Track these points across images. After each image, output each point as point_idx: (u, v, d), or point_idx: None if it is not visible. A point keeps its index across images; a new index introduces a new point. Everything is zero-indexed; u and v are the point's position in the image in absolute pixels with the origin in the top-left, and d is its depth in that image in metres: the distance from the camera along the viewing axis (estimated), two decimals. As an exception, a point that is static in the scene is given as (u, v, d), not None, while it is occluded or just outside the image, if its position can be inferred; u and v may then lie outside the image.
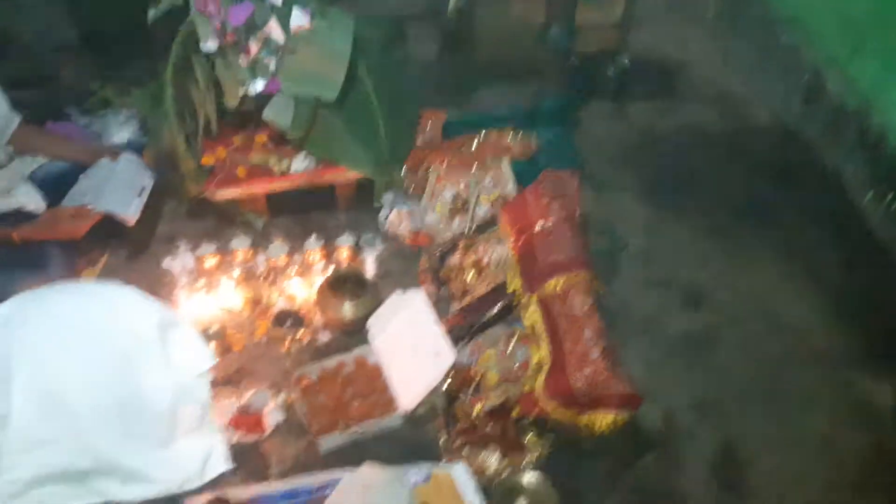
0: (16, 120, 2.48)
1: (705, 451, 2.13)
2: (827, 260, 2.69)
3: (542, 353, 1.95)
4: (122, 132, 3.01)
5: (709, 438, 2.16)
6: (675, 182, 3.02)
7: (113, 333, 0.99)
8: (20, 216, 2.39)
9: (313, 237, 2.62)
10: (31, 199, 2.45)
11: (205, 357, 1.12)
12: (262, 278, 2.54)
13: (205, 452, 1.16)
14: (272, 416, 2.11)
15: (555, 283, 2.03)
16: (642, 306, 2.51)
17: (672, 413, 2.20)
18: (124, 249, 2.65)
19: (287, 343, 2.33)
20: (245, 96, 2.51)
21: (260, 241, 2.66)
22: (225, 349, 2.29)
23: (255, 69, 2.46)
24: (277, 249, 2.58)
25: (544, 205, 2.25)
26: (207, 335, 2.27)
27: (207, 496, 1.51)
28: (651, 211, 2.89)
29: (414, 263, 2.64)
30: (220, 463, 1.18)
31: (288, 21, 2.44)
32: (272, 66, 2.46)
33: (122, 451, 1.01)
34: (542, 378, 1.90)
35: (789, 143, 3.24)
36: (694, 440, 2.15)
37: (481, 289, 2.33)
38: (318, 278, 2.54)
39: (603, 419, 1.84)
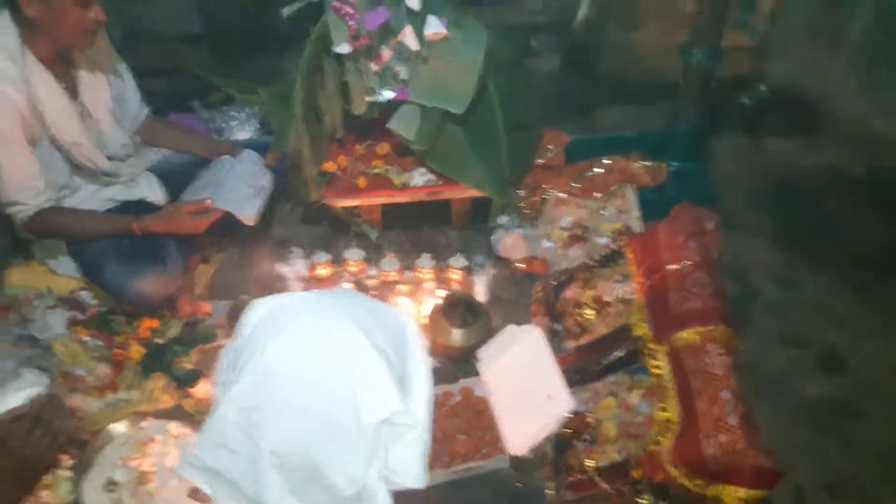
0: (145, 111, 2.50)
1: (837, 535, 1.94)
2: None
3: (671, 411, 1.79)
4: (242, 130, 3.02)
5: (841, 521, 1.97)
6: (814, 229, 2.80)
7: (339, 399, 0.94)
8: (142, 207, 2.41)
9: (425, 256, 2.55)
10: (154, 191, 2.48)
11: (413, 475, 1.07)
12: (372, 292, 2.48)
13: None
14: (375, 441, 2.04)
15: (689, 334, 1.86)
16: (773, 365, 2.31)
17: (802, 490, 2.01)
18: (238, 249, 2.65)
19: (394, 365, 2.26)
20: (372, 104, 2.45)
21: (372, 254, 2.62)
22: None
23: (385, 77, 2.40)
24: (389, 264, 2.52)
25: (679, 244, 2.07)
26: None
27: None
28: (786, 259, 2.68)
29: (526, 291, 2.53)
30: None
31: (423, 29, 2.35)
32: (403, 75, 2.38)
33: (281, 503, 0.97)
34: (669, 440, 1.74)
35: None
36: (825, 521, 1.97)
37: (601, 328, 2.19)
38: (427, 297, 2.48)
39: (734, 493, 1.67)
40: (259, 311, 1.02)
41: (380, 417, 0.97)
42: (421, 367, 1.08)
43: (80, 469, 1.87)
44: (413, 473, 1.06)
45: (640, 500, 1.89)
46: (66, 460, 1.91)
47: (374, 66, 2.38)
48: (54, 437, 1.27)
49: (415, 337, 1.09)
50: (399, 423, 0.98)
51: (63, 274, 2.43)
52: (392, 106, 2.46)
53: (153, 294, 2.23)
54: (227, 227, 2.36)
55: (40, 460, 1.20)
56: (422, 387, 1.07)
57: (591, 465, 1.87)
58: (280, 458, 0.94)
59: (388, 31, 2.38)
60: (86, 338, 2.25)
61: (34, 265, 2.50)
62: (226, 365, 1.04)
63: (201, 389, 2.07)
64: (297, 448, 0.94)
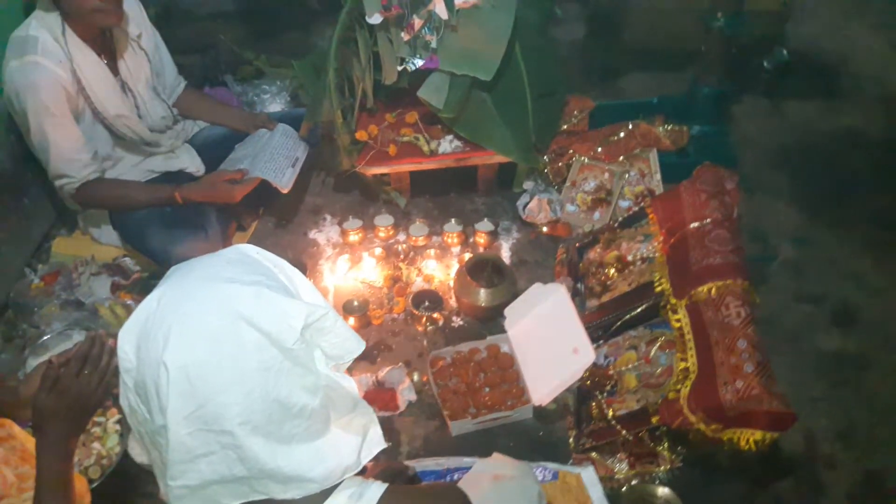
0: (182, 84, 2.60)
1: (848, 481, 2.00)
2: None
3: (689, 361, 1.88)
4: (274, 103, 3.10)
5: (852, 467, 2.03)
6: (833, 190, 2.84)
7: (258, 346, 1.01)
8: (182, 177, 2.52)
9: (453, 221, 2.64)
10: (192, 162, 2.58)
11: (353, 349, 1.13)
12: (401, 256, 2.58)
13: (360, 437, 1.18)
14: (405, 394, 2.15)
15: (708, 289, 1.93)
16: (790, 320, 2.38)
17: (814, 437, 2.09)
18: (274, 217, 2.75)
19: (423, 323, 2.37)
20: (402, 73, 2.52)
21: (401, 220, 2.71)
22: (365, 323, 2.36)
23: (415, 45, 2.45)
24: (418, 230, 2.62)
25: (701, 202, 2.13)
26: (351, 307, 2.36)
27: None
28: (805, 219, 2.73)
29: (550, 254, 2.62)
30: (377, 443, 1.21)
31: (453, -3, 2.41)
32: (433, 43, 2.43)
33: (277, 458, 1.03)
34: (687, 387, 1.82)
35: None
36: (836, 467, 2.03)
37: (623, 287, 2.27)
38: (454, 261, 2.57)
39: (749, 437, 1.75)
40: (126, 344, 1.07)
41: (297, 332, 1.04)
42: (291, 272, 1.15)
43: (127, 424, 2.02)
44: (350, 346, 1.13)
45: (657, 447, 1.99)
46: (114, 415, 2.06)
47: (404, 36, 2.43)
48: (102, 374, 1.38)
49: (266, 256, 1.16)
50: (313, 321, 1.05)
51: (106, 243, 2.55)
52: (421, 75, 2.51)
53: (194, 259, 2.33)
54: (263, 196, 2.45)
55: (92, 397, 1.33)
56: (304, 282, 1.15)
57: (611, 413, 1.97)
58: (247, 423, 1.00)
59: (419, 1, 2.41)
60: (129, 301, 2.38)
61: (78, 235, 2.64)
62: (132, 402, 1.09)
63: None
64: (256, 405, 1.01)
